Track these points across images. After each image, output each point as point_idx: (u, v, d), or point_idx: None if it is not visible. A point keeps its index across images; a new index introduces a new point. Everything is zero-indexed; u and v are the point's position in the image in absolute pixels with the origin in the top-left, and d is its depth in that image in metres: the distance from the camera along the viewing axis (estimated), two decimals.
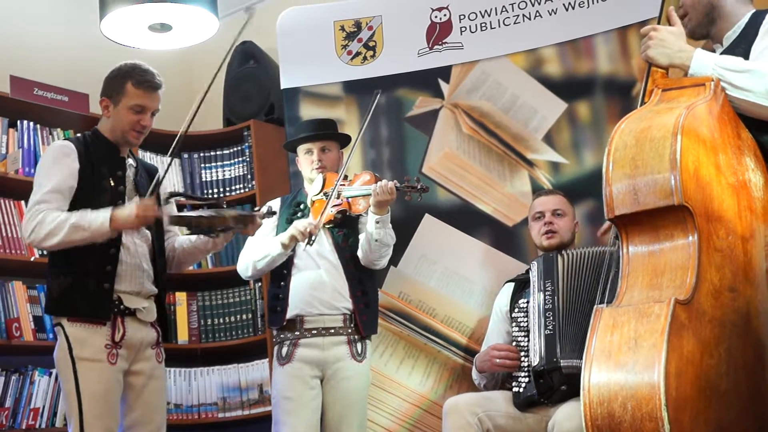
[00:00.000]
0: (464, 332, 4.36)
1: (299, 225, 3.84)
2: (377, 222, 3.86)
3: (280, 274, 4.01)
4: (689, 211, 2.43)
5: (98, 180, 3.50)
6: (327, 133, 4.16)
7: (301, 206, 4.08)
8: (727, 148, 2.60)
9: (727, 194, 2.53)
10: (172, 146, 3.57)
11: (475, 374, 3.99)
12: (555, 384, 3.60)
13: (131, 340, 3.49)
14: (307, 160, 4.11)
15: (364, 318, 3.95)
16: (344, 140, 4.22)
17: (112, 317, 3.44)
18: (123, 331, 3.46)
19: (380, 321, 4.28)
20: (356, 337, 3.94)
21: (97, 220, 3.36)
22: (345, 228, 4.01)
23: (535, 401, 3.65)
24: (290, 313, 3.94)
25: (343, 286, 3.94)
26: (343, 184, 3.96)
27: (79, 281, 3.43)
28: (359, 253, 3.96)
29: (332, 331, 3.92)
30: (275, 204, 4.17)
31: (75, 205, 3.43)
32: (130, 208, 3.40)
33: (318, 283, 3.93)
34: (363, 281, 3.99)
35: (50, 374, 4.45)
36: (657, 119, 2.55)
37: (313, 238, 3.80)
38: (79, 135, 3.68)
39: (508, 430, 3.67)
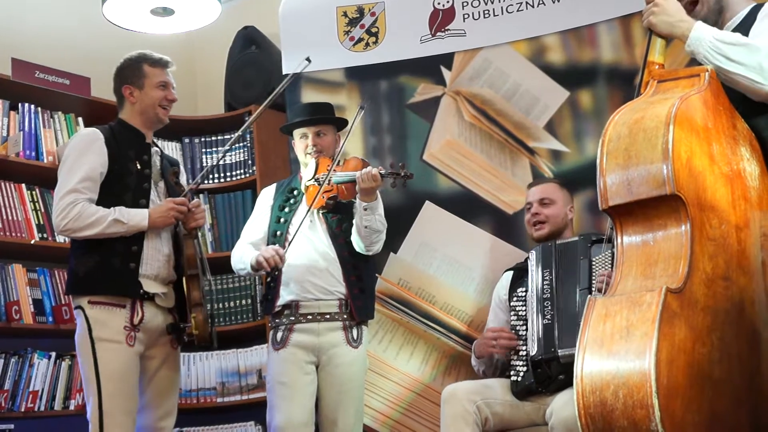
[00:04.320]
0: (463, 320, 4.36)
1: (266, 253, 3.82)
2: (365, 209, 3.83)
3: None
4: (682, 201, 2.43)
5: (125, 163, 3.59)
6: (322, 117, 4.13)
7: (295, 192, 4.07)
8: (721, 137, 2.59)
9: (720, 184, 2.52)
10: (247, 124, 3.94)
11: (474, 360, 3.99)
12: (553, 373, 3.61)
13: (149, 325, 3.55)
14: (302, 144, 4.08)
15: (359, 303, 3.92)
16: (341, 124, 4.19)
17: (131, 301, 3.50)
18: (141, 315, 3.52)
19: (379, 307, 4.27)
20: (351, 322, 3.92)
21: (136, 216, 3.51)
22: (339, 213, 3.98)
23: (533, 390, 3.65)
24: (286, 299, 3.92)
25: (337, 272, 3.91)
26: (335, 170, 3.94)
27: (105, 260, 3.50)
28: (352, 239, 3.93)
29: (327, 316, 3.89)
30: (270, 189, 4.18)
31: (102, 187, 3.54)
32: (162, 205, 3.59)
33: (313, 269, 3.91)
34: (358, 266, 3.96)
35: (49, 357, 4.46)
36: (650, 110, 2.55)
37: (279, 266, 3.80)
38: (104, 125, 3.75)
39: (506, 418, 3.68)
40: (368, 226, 3.84)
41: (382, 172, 3.80)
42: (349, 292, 3.91)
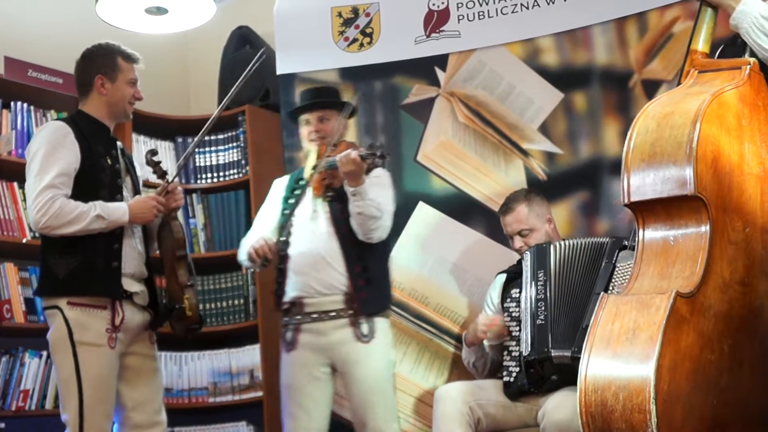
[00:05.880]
0: (456, 321, 4.36)
1: (255, 243, 3.71)
2: (353, 195, 3.64)
3: (279, 256, 3.83)
4: (703, 202, 2.38)
5: (96, 159, 3.50)
6: (321, 101, 3.96)
7: (300, 182, 3.93)
8: (755, 136, 2.52)
9: (749, 184, 2.46)
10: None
11: (464, 352, 3.99)
12: (545, 374, 3.62)
13: (129, 324, 3.49)
14: (305, 131, 3.93)
15: (364, 296, 3.69)
16: (347, 108, 3.93)
17: (111, 301, 3.43)
18: (122, 315, 3.46)
19: None
20: (359, 317, 3.71)
21: (117, 211, 3.42)
22: (343, 201, 3.77)
23: (525, 391, 3.66)
24: (290, 295, 3.77)
25: (340, 263, 3.72)
26: (330, 155, 3.75)
27: (89, 260, 3.41)
28: (352, 226, 3.73)
29: (333, 314, 3.71)
30: (283, 180, 4.05)
31: (75, 184, 3.43)
32: (145, 201, 3.53)
33: (314, 262, 3.73)
34: (363, 256, 3.74)
35: (41, 356, 4.43)
36: (681, 105, 2.48)
37: (269, 257, 3.68)
38: (67, 116, 3.67)
39: (498, 419, 3.68)
40: (361, 212, 3.65)
41: (362, 153, 3.54)
42: (353, 285, 3.70)
